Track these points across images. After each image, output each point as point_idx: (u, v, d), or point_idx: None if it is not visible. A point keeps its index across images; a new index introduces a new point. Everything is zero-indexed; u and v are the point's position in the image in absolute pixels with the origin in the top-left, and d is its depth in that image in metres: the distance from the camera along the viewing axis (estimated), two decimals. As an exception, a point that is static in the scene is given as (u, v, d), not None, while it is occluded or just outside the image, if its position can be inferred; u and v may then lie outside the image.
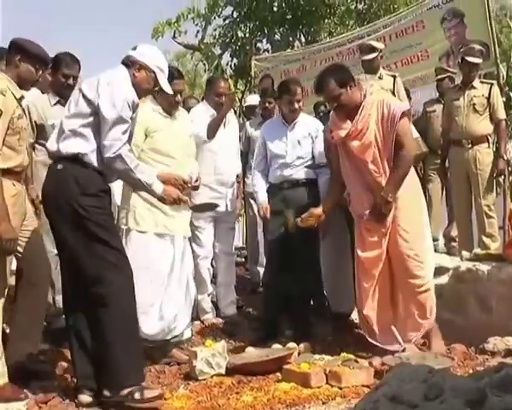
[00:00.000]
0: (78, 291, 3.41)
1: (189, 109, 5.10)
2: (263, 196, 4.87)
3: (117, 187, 4.23)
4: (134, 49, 3.54)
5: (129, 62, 3.46)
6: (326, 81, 3.97)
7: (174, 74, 4.23)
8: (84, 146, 3.34)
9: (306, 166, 4.77)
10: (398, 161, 3.88)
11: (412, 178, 4.03)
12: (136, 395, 3.26)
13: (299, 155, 4.77)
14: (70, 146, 3.34)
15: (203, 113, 5.05)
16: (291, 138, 4.79)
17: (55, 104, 4.44)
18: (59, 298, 4.46)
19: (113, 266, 3.33)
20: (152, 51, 3.59)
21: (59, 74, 4.41)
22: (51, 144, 3.45)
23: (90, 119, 3.33)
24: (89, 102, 3.34)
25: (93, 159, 3.34)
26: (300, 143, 4.78)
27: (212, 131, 4.91)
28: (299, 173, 4.75)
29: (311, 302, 5.09)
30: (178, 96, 4.30)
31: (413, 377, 1.71)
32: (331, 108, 4.16)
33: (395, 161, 3.88)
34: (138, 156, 4.07)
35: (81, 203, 3.29)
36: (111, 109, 3.28)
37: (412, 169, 4.04)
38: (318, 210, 4.29)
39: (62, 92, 4.43)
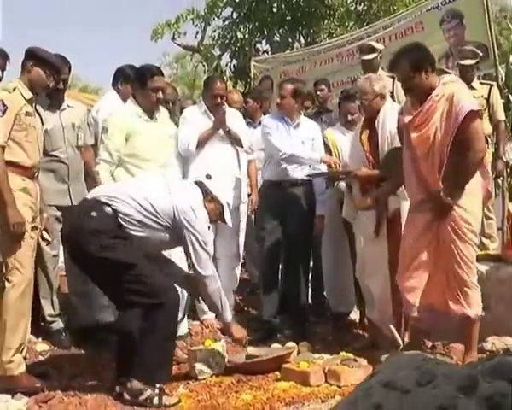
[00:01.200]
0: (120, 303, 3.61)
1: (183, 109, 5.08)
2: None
3: None
4: (208, 177, 3.86)
5: (203, 191, 3.71)
6: (400, 61, 3.68)
7: (153, 71, 4.18)
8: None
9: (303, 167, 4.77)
10: (464, 163, 3.55)
11: (475, 179, 3.68)
12: (155, 401, 3.34)
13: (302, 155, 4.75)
14: (133, 231, 3.48)
15: (194, 112, 4.96)
16: (296, 137, 4.77)
17: (47, 109, 4.34)
18: (57, 299, 4.46)
19: (161, 281, 3.53)
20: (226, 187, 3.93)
21: None
22: (115, 201, 3.47)
23: (168, 232, 3.56)
24: (176, 222, 3.53)
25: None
26: (304, 143, 4.78)
27: (200, 143, 4.75)
28: (298, 173, 4.75)
29: (311, 302, 5.11)
30: (160, 93, 4.17)
31: (407, 365, 1.72)
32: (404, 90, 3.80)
33: (461, 163, 3.55)
34: (119, 161, 4.13)
35: (107, 243, 3.41)
36: (201, 238, 3.56)
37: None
38: (375, 193, 4.11)
39: (52, 96, 4.35)
